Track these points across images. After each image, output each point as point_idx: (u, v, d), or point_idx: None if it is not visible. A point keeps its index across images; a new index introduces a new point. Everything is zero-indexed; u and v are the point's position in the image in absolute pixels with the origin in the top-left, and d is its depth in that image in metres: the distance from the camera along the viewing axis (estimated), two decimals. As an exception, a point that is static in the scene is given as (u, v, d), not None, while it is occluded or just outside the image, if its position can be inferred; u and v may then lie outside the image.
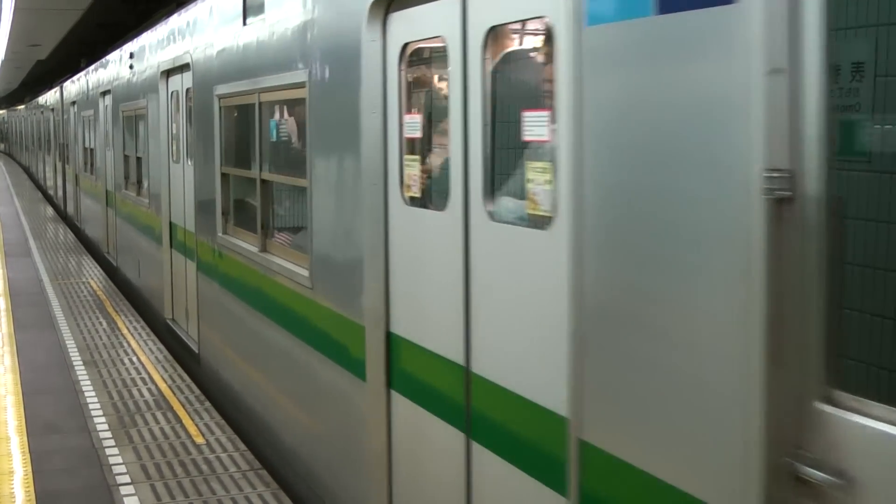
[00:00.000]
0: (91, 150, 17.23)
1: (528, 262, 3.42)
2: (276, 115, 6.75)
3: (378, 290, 4.66)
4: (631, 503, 2.83)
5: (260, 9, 6.50)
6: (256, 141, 6.71)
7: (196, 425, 7.15)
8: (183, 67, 9.11)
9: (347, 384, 5.02)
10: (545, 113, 3.33)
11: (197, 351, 8.73)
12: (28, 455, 6.54)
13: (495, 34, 3.71)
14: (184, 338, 9.35)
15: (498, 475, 3.64)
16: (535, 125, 3.42)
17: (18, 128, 48.35)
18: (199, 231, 8.48)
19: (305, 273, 5.62)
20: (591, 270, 2.94)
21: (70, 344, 9.78)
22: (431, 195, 4.35)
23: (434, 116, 4.42)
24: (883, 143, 2.59)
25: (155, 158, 10.90)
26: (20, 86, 50.32)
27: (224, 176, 7.62)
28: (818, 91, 2.20)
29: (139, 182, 12.45)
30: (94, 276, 14.23)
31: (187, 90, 8.86)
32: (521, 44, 3.82)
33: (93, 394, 7.98)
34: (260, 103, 6.62)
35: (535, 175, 3.38)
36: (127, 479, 6.10)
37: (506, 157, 3.77)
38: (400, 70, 4.49)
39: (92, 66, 17.02)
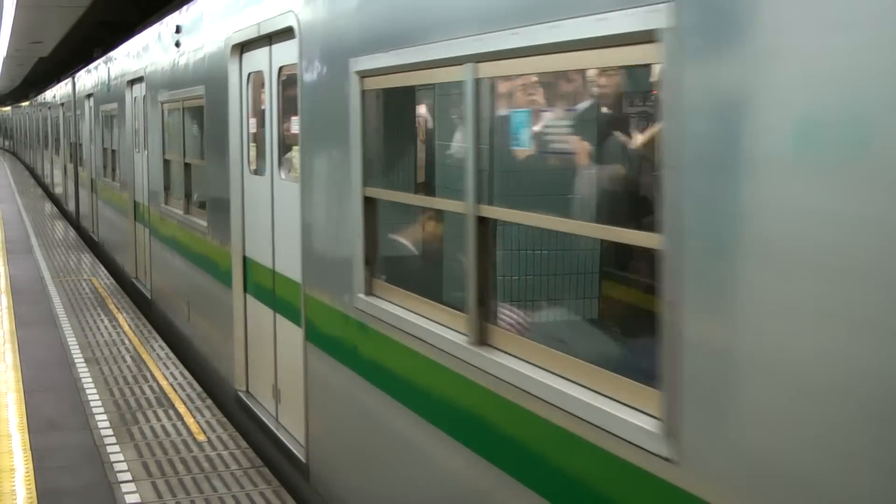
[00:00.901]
0: (113, 151, 14.44)
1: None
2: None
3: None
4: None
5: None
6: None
7: (197, 423, 7.14)
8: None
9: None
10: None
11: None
12: (29, 452, 6.54)
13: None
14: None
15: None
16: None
17: (24, 125, 45.55)
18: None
19: (205, 224, 8.35)
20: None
21: (71, 341, 9.77)
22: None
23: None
24: None
25: (222, 166, 7.52)
26: (22, 83, 50.34)
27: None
28: None
29: (189, 196, 9.16)
30: (96, 273, 14.24)
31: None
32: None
33: (94, 391, 7.98)
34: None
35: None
36: (128, 476, 6.10)
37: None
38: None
39: (116, 51, 13.91)
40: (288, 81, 6.19)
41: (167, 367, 8.74)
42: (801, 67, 2.17)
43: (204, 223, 8.28)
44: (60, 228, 20.16)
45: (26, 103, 43.91)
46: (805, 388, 2.20)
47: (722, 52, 2.41)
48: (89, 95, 16.98)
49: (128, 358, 9.11)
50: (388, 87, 4.66)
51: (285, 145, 6.34)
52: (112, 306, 11.63)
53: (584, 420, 2.98)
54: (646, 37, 2.65)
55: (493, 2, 3.54)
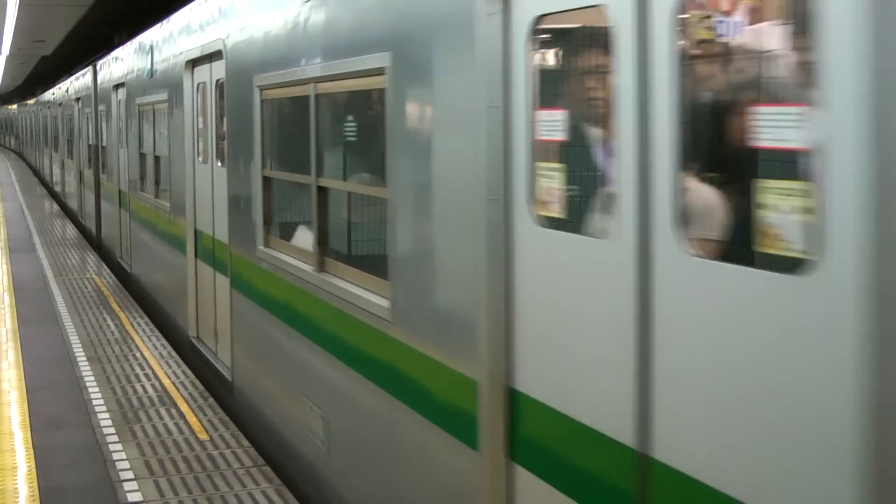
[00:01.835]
0: (157, 158, 11.36)
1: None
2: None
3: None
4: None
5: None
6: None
7: (200, 421, 7.15)
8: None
9: None
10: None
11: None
12: (31, 451, 6.54)
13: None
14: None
15: None
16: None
17: (30, 124, 41.87)
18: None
19: (167, 205, 10.30)
20: None
21: (74, 339, 9.78)
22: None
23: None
24: None
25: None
26: (24, 82, 50.36)
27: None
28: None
29: (326, 235, 6.14)
30: (99, 273, 14.24)
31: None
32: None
33: (96, 389, 7.99)
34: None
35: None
36: (130, 474, 6.10)
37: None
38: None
39: (158, 28, 11.18)
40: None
41: (169, 366, 8.74)
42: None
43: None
44: (61, 226, 20.18)
45: (33, 101, 40.03)
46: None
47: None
48: (118, 86, 13.88)
49: (130, 356, 9.11)
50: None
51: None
52: (114, 305, 11.64)
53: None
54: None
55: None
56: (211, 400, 7.70)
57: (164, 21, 10.71)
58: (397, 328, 4.54)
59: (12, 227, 20.00)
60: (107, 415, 7.30)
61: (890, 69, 2.04)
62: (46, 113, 30.86)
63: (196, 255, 9.17)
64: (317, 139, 5.64)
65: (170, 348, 9.42)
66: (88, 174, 18.29)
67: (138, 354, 9.19)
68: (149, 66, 11.51)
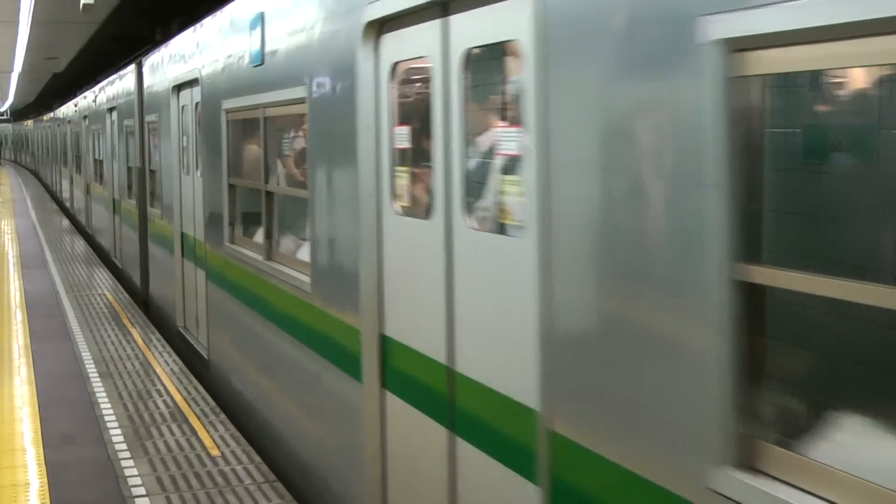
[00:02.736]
0: (269, 196, 7.51)
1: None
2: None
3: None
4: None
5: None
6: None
7: (211, 437, 7.15)
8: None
9: None
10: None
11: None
12: (44, 466, 6.56)
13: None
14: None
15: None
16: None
17: (46, 141, 39.51)
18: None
19: (159, 212, 11.93)
20: None
21: (85, 355, 9.81)
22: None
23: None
24: None
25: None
26: (36, 98, 50.62)
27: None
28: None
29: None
30: (109, 287, 14.28)
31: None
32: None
33: (108, 405, 8.00)
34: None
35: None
36: (142, 490, 6.11)
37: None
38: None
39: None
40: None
41: (181, 382, 8.75)
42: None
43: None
44: (72, 242, 20.23)
45: (50, 116, 36.44)
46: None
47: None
48: (180, 87, 10.36)
49: (142, 372, 9.13)
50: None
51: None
52: (126, 321, 11.67)
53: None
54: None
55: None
56: (223, 416, 7.71)
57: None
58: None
59: (24, 243, 20.08)
60: (119, 431, 7.32)
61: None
62: (64, 129, 27.88)
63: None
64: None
65: (181, 364, 9.44)
66: (128, 205, 15.11)
67: (150, 370, 9.21)
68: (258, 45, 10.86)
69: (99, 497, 6.05)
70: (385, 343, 4.88)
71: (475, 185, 4.07)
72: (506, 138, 3.80)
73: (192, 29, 9.66)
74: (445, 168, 4.13)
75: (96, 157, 19.17)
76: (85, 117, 20.82)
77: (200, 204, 9.25)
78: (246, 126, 7.75)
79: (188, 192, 10.05)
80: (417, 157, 4.59)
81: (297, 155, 6.96)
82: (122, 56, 18.09)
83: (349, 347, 5.21)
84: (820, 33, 2.21)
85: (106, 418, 7.63)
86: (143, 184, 13.17)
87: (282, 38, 6.42)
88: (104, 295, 13.57)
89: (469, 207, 4.03)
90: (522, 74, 3.45)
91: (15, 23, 19.81)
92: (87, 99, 21.12)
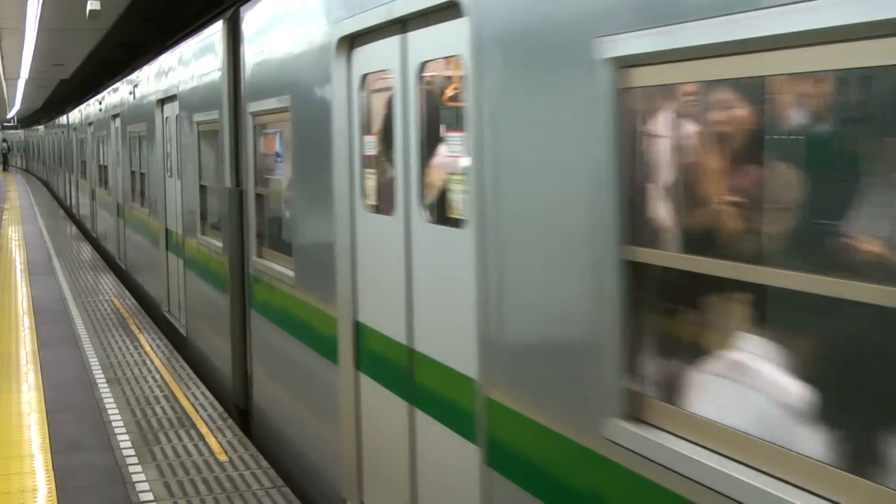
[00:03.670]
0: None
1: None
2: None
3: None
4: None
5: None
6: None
7: (219, 443, 7.15)
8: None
9: None
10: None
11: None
12: (52, 473, 6.56)
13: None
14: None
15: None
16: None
17: (56, 149, 36.41)
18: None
19: (147, 210, 13.41)
20: None
21: (93, 361, 9.81)
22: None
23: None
24: None
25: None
26: (44, 105, 50.75)
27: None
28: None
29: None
30: (116, 293, 14.29)
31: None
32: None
33: (116, 411, 8.00)
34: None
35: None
36: (150, 496, 6.10)
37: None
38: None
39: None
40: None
41: (188, 388, 8.75)
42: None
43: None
44: (78, 249, 20.26)
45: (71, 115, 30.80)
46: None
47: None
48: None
49: (149, 378, 9.13)
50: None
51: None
52: (133, 327, 11.68)
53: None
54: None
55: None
56: (230, 421, 7.71)
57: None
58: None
59: (31, 249, 20.11)
60: (126, 437, 7.31)
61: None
62: (82, 135, 24.61)
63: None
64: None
65: (189, 369, 9.44)
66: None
67: (157, 376, 9.21)
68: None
69: (107, 503, 6.05)
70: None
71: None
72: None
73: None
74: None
75: (134, 168, 15.39)
76: (116, 117, 17.19)
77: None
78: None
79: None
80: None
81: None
82: (129, 63, 18.12)
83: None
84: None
85: (113, 424, 7.63)
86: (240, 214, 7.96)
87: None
88: (111, 301, 13.59)
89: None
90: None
91: (22, 30, 19.86)
92: (107, 101, 18.77)
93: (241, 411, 8.01)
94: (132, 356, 10.06)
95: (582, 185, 3.13)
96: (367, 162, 5.23)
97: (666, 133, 2.99)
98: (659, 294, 3.02)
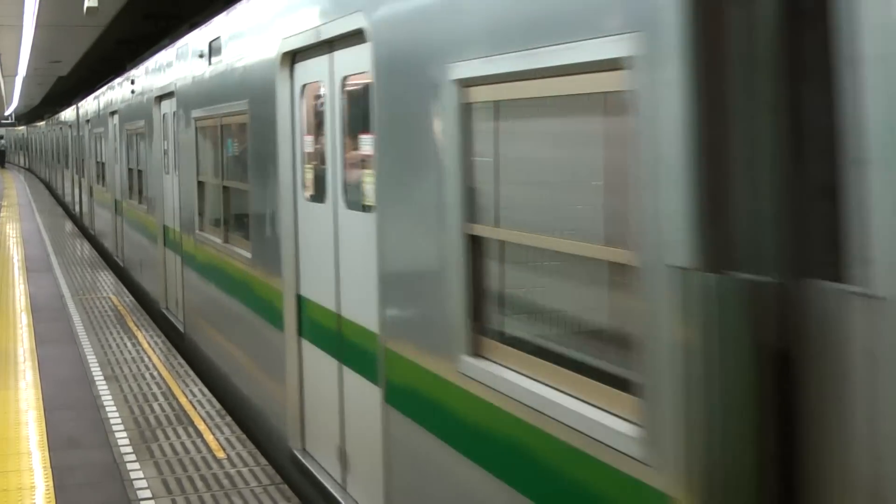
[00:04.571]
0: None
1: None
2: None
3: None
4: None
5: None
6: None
7: (217, 440, 7.15)
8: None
9: None
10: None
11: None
12: (50, 470, 6.55)
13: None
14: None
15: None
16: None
17: (61, 147, 33.25)
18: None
19: (145, 207, 13.42)
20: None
21: (91, 359, 9.81)
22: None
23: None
24: None
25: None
26: (41, 102, 50.71)
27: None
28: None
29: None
30: (114, 290, 14.28)
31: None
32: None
33: (114, 409, 8.00)
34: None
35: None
36: (148, 493, 6.10)
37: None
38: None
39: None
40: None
41: (186, 385, 8.75)
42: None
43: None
44: (74, 245, 20.25)
45: (69, 112, 28.59)
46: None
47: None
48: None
49: (147, 375, 9.13)
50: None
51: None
52: (131, 324, 11.67)
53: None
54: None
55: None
56: (228, 418, 7.71)
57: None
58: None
59: (30, 247, 20.10)
60: (124, 434, 7.31)
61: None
62: (102, 129, 19.84)
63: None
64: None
65: (187, 367, 9.44)
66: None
67: (155, 373, 9.20)
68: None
69: (105, 500, 6.04)
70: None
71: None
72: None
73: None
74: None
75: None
76: (151, 102, 14.40)
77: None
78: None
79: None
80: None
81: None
82: (127, 60, 18.09)
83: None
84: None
85: (112, 421, 7.63)
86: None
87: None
88: (109, 298, 13.58)
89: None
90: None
91: (19, 26, 19.84)
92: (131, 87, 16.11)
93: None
94: (130, 353, 10.06)
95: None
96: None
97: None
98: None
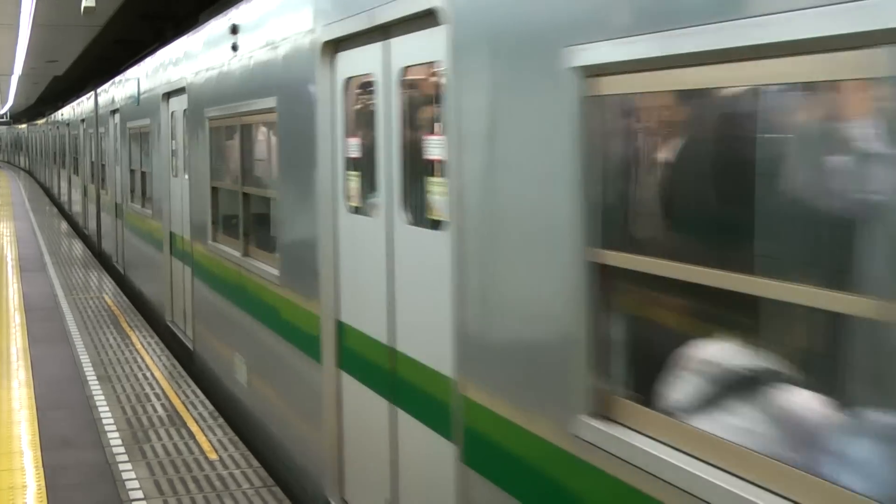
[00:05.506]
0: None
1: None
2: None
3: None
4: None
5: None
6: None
7: (209, 441, 7.14)
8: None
9: None
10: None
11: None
12: (42, 470, 6.55)
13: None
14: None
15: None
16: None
17: (52, 141, 31.38)
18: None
19: (150, 212, 12.71)
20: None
21: (84, 359, 9.80)
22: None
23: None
24: None
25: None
26: (37, 101, 50.63)
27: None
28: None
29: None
30: (107, 291, 14.27)
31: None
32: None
33: (106, 409, 7.99)
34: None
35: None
36: (140, 494, 6.10)
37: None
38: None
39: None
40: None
41: (179, 386, 8.75)
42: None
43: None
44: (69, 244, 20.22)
45: (72, 107, 25.81)
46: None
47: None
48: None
49: (140, 376, 9.12)
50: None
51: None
52: (125, 324, 11.66)
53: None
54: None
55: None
56: (221, 420, 7.70)
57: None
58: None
59: (23, 245, 20.07)
60: (117, 434, 7.31)
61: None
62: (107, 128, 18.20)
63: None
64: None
65: (180, 368, 9.43)
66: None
67: (148, 374, 9.20)
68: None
69: (97, 501, 6.04)
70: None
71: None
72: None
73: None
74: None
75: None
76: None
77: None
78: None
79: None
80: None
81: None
82: (123, 61, 18.07)
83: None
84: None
85: (104, 422, 7.63)
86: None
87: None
88: (102, 298, 13.56)
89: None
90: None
91: (16, 26, 19.82)
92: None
93: None
94: (123, 353, 10.05)
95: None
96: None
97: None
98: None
